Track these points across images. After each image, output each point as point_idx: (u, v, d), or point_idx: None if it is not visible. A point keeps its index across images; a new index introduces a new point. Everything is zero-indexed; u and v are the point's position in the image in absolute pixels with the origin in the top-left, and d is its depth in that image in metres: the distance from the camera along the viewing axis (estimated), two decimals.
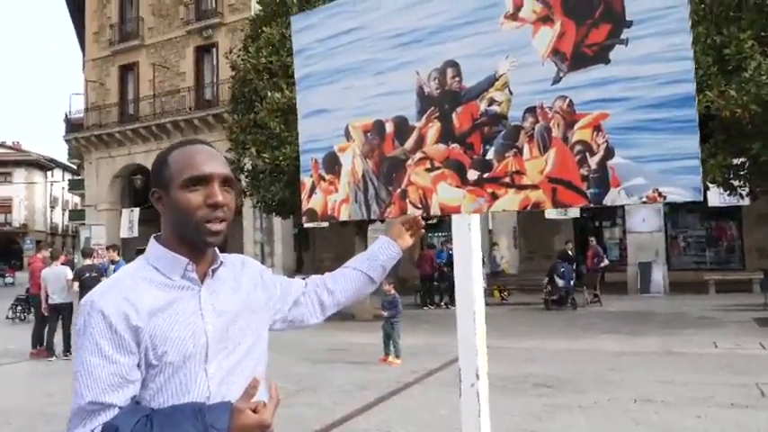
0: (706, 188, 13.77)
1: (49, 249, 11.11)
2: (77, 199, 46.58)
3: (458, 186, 1.93)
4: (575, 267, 16.39)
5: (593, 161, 1.71)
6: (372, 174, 2.13)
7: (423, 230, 2.05)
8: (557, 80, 1.75)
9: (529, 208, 1.81)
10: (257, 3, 15.89)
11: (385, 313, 9.23)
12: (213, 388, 1.42)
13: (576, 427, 5.67)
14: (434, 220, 16.72)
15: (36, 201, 54.67)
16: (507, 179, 1.84)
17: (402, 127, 2.05)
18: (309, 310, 1.84)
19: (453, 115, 1.94)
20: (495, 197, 1.86)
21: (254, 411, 1.35)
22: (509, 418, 5.83)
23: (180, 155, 1.49)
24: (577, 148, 1.73)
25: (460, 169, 1.92)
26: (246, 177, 14.96)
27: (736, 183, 12.44)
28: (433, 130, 1.99)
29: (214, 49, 24.90)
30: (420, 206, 2.01)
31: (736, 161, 11.66)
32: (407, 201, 2.04)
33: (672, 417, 5.85)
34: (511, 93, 1.83)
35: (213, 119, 23.11)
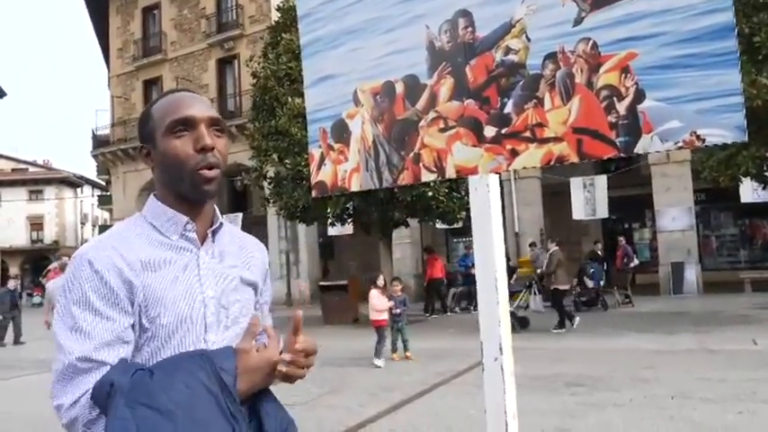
0: (738, 182, 13.39)
1: (59, 261, 11.07)
2: (106, 214, 47.25)
3: (474, 145, 1.78)
4: (604, 268, 16.03)
5: (622, 106, 1.55)
6: (383, 138, 1.99)
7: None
8: (578, 21, 1.60)
9: (552, 162, 1.66)
10: (276, 11, 15.94)
11: (398, 310, 9.43)
12: None
13: (611, 424, 5.44)
14: (459, 224, 16.47)
15: (66, 218, 55.49)
16: (528, 133, 1.69)
17: (413, 86, 1.91)
18: None
19: (467, 69, 1.80)
20: (515, 154, 1.71)
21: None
22: (541, 416, 5.62)
23: (162, 103, 1.39)
24: (604, 93, 1.58)
25: (477, 126, 1.78)
26: (269, 184, 14.95)
27: None
28: (446, 86, 1.84)
29: (236, 61, 25.13)
30: (435, 169, 1.87)
31: None
32: (421, 165, 1.90)
33: (712, 413, 5.58)
34: (528, 39, 1.68)
35: (236, 129, 23.23)
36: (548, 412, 5.83)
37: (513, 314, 11.38)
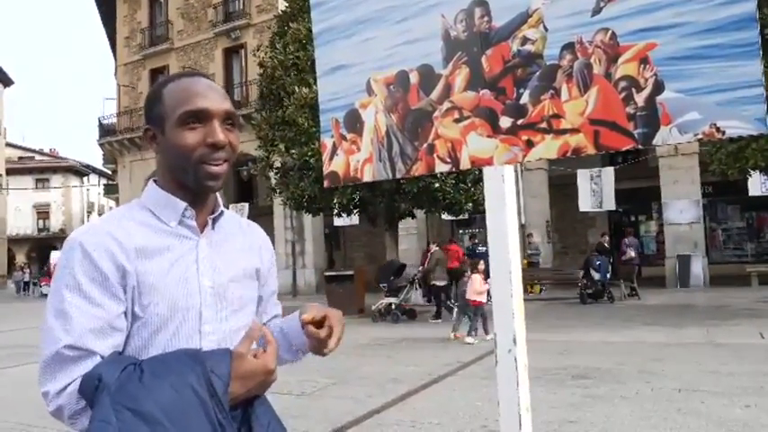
0: (747, 175, 13.33)
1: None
2: (113, 203, 47.37)
3: (489, 136, 1.77)
4: (610, 260, 15.97)
5: (641, 98, 1.53)
6: (397, 129, 1.98)
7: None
8: (597, 11, 1.58)
9: (569, 154, 1.64)
10: (284, 0, 15.88)
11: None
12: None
13: (618, 416, 5.43)
14: (465, 215, 16.41)
15: (73, 206, 55.68)
16: (544, 124, 1.67)
17: (427, 76, 1.90)
18: None
19: (483, 59, 1.78)
20: (530, 145, 1.70)
21: (254, 357, 1.21)
22: (549, 408, 5.62)
23: (175, 87, 1.33)
24: (622, 84, 1.56)
25: (492, 117, 1.76)
26: (276, 174, 14.95)
27: None
28: (461, 76, 1.83)
29: (242, 51, 25.07)
30: (449, 160, 1.85)
31: None
32: (435, 156, 1.89)
33: (719, 406, 5.57)
34: (546, 29, 1.66)
35: (243, 119, 23.20)
36: (554, 404, 5.83)
37: (401, 306, 13.45)
